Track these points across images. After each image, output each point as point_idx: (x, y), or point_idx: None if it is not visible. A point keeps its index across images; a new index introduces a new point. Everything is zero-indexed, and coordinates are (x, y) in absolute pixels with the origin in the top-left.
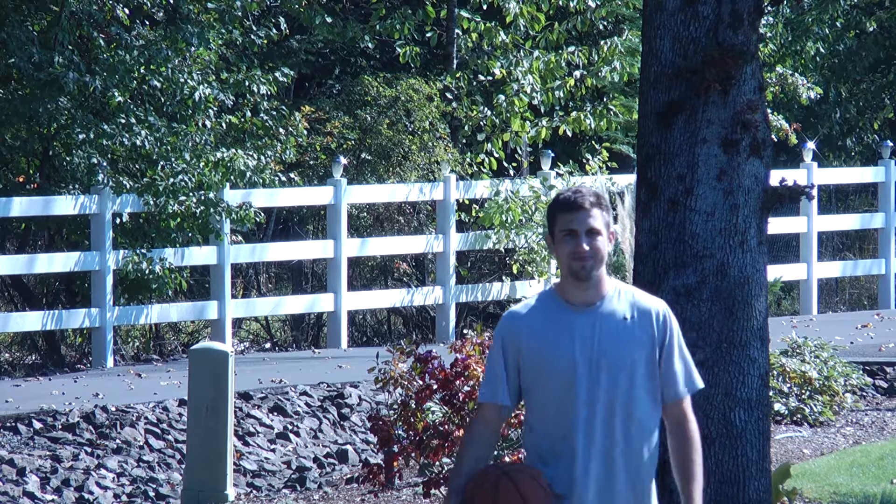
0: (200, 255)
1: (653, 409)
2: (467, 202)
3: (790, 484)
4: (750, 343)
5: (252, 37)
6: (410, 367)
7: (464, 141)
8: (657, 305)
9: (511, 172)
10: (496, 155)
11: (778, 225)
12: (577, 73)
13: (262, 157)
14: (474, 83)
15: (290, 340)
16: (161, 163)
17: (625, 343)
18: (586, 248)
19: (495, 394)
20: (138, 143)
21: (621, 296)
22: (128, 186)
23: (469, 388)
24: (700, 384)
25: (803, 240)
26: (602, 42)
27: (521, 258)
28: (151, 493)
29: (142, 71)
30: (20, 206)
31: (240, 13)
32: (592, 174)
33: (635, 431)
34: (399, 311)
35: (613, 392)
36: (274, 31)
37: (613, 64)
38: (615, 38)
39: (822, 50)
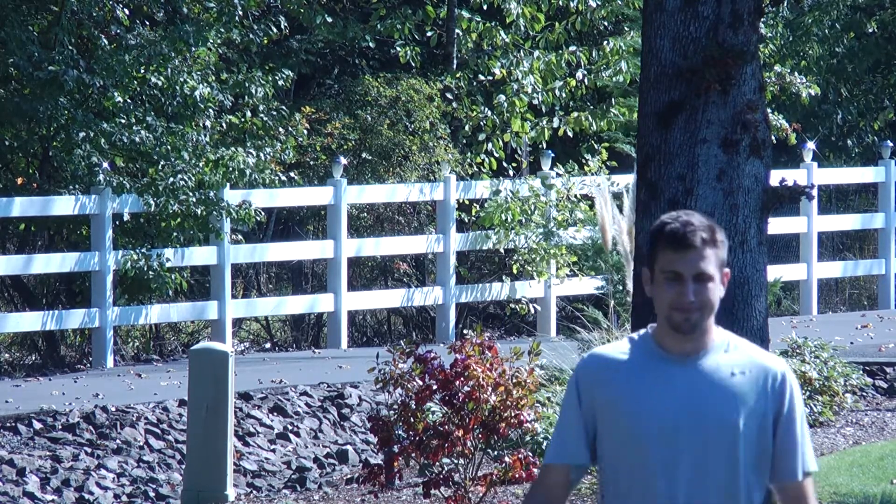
0: (200, 255)
1: (758, 490)
2: (467, 202)
3: None
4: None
5: (251, 36)
6: (410, 368)
7: (464, 141)
8: (776, 365)
9: (511, 172)
10: (496, 155)
11: (778, 225)
12: (578, 74)
13: (262, 157)
14: (474, 83)
15: (290, 340)
16: (161, 162)
17: (730, 405)
18: (692, 298)
19: (565, 451)
20: (137, 140)
21: (731, 349)
22: (128, 186)
23: (469, 389)
24: (814, 466)
25: (803, 240)
26: (604, 42)
27: (521, 258)
28: (151, 494)
29: (142, 71)
30: (20, 206)
31: (240, 12)
32: (592, 174)
33: None
34: (399, 311)
35: (707, 467)
36: (274, 29)
37: (619, 65)
38: (618, 38)
39: (821, 51)
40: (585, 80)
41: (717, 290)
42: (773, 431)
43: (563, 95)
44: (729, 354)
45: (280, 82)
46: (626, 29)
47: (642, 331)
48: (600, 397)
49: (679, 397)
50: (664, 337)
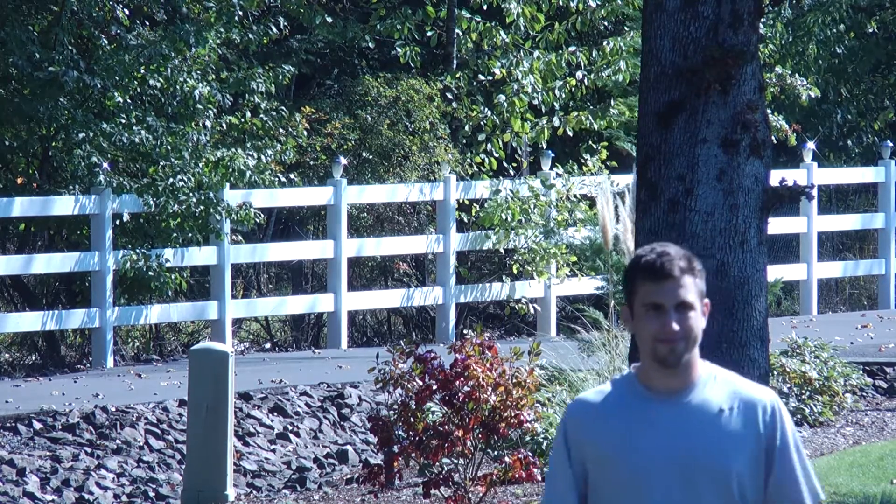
0: (200, 255)
1: None
2: (467, 202)
3: None
4: (750, 343)
5: (251, 36)
6: (410, 368)
7: (464, 141)
8: (764, 396)
9: (511, 172)
10: (496, 155)
11: (778, 225)
12: (578, 74)
13: (262, 157)
14: (474, 83)
15: (290, 340)
16: (161, 163)
17: (720, 443)
18: (676, 327)
19: (560, 501)
20: (137, 140)
21: (717, 382)
22: (128, 186)
23: (469, 389)
24: (822, 495)
25: (803, 240)
26: (604, 42)
27: (521, 258)
28: (151, 494)
29: (141, 71)
30: (20, 206)
31: (239, 12)
32: (592, 174)
33: None
34: (399, 311)
35: None
36: (273, 29)
37: (619, 65)
38: (618, 38)
39: (821, 51)
40: (585, 81)
41: (699, 320)
42: (768, 466)
43: (563, 95)
44: (715, 388)
45: (280, 77)
46: (626, 29)
47: (626, 371)
48: (588, 445)
49: (668, 439)
50: (649, 375)
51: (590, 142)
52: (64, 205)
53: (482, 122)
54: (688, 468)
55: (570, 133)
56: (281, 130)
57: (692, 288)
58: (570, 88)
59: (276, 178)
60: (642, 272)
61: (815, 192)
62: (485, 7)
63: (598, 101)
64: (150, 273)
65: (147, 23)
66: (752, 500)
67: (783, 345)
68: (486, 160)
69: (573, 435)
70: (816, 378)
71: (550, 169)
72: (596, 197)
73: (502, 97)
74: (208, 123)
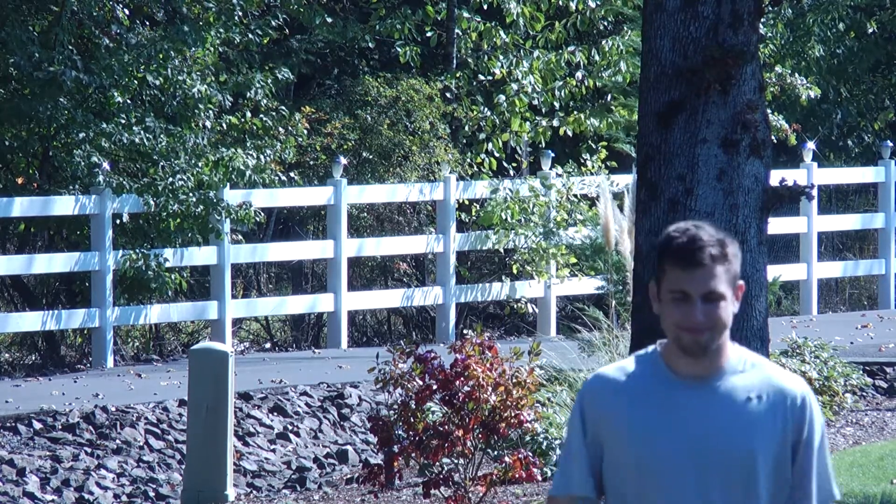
0: (200, 255)
1: None
2: (467, 202)
3: None
4: (750, 343)
5: (251, 35)
6: (410, 368)
7: (464, 141)
8: (796, 386)
9: (511, 172)
10: (496, 155)
11: (778, 225)
12: (578, 74)
13: (262, 157)
14: (474, 83)
15: (290, 340)
16: (161, 162)
17: (746, 432)
18: (701, 318)
19: (569, 483)
20: (137, 140)
21: (748, 369)
22: (128, 186)
23: (469, 389)
24: (838, 495)
25: (803, 240)
26: (603, 42)
27: (521, 258)
28: (151, 494)
29: (141, 71)
30: (20, 206)
31: (239, 13)
32: (592, 174)
33: None
34: (399, 311)
35: (722, 500)
36: (273, 24)
37: (619, 65)
38: (617, 37)
39: (821, 51)
40: (585, 81)
41: (729, 308)
42: (792, 458)
43: (563, 95)
44: (745, 376)
45: (280, 76)
46: (626, 29)
47: (651, 348)
48: (606, 425)
49: (691, 426)
50: (674, 358)
51: (590, 142)
52: (64, 205)
53: (482, 122)
54: (710, 458)
55: (570, 133)
56: (280, 130)
57: (723, 277)
58: (569, 89)
59: (276, 178)
60: (672, 256)
61: (815, 192)
62: (485, 7)
63: (597, 101)
64: (150, 273)
65: (147, 23)
66: (779, 495)
67: (783, 345)
68: (486, 160)
69: (590, 412)
70: (816, 378)
71: (550, 169)
72: (596, 197)
73: (502, 97)
74: (208, 123)
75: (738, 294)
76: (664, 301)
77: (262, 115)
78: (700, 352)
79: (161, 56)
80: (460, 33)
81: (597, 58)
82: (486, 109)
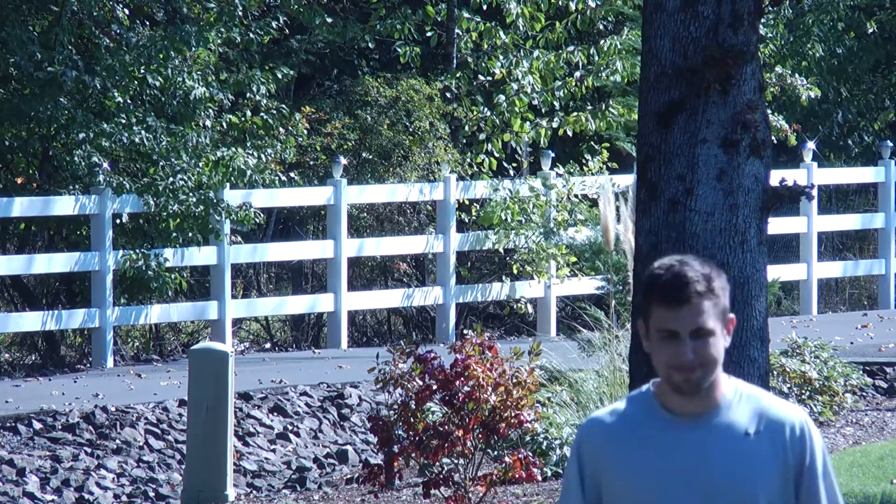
0: (200, 255)
1: None
2: (467, 202)
3: None
4: (750, 343)
5: (251, 35)
6: (410, 368)
7: (464, 141)
8: (793, 415)
9: (511, 172)
10: (496, 155)
11: (778, 225)
12: (577, 74)
13: (262, 157)
14: (474, 83)
15: (290, 340)
16: (161, 162)
17: (747, 467)
18: (691, 356)
19: None
20: (137, 140)
21: (743, 402)
22: (128, 186)
23: (469, 389)
24: None
25: (803, 240)
26: (602, 41)
27: (521, 258)
28: (151, 494)
29: (141, 71)
30: (20, 206)
31: (240, 12)
32: (592, 174)
33: None
34: (399, 311)
35: None
36: (273, 24)
37: (615, 65)
38: (615, 37)
39: (822, 52)
40: (585, 81)
41: (719, 344)
42: (797, 487)
43: (563, 95)
44: (741, 409)
45: (280, 76)
46: (626, 29)
47: (644, 388)
48: (603, 469)
49: (691, 465)
50: (668, 396)
51: (591, 142)
52: (64, 205)
53: (482, 123)
54: (711, 495)
55: (570, 133)
56: (280, 130)
57: (711, 312)
58: (569, 88)
59: (277, 178)
60: (657, 294)
61: (815, 192)
62: (485, 7)
63: (597, 101)
64: (150, 273)
65: (147, 23)
66: None
67: (783, 345)
68: (486, 160)
69: (588, 458)
70: (816, 378)
71: (551, 169)
72: (596, 197)
73: (502, 97)
74: (208, 123)
75: (728, 328)
76: (652, 340)
77: (262, 114)
78: (691, 391)
79: (161, 56)
80: (460, 33)
81: (596, 57)
82: (485, 109)
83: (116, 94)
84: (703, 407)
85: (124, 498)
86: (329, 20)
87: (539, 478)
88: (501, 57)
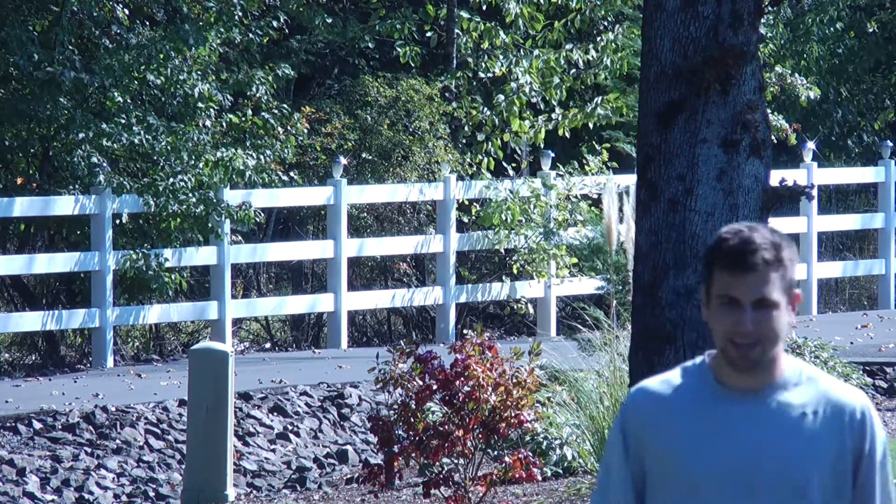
0: (200, 255)
1: None
2: (467, 202)
3: None
4: None
5: (251, 35)
6: (410, 368)
7: (464, 141)
8: (855, 400)
9: (511, 172)
10: (496, 155)
11: (778, 225)
12: (574, 72)
13: (262, 157)
14: (474, 83)
15: (290, 340)
16: (161, 163)
17: (800, 449)
18: (751, 326)
19: (608, 502)
20: (137, 140)
21: (803, 382)
22: (128, 186)
23: (469, 389)
24: None
25: (803, 240)
26: (598, 39)
27: (521, 258)
28: (151, 494)
29: (142, 71)
30: (20, 206)
31: (239, 12)
32: (593, 174)
33: None
34: (399, 311)
35: None
36: (274, 24)
37: (605, 61)
38: (609, 33)
39: (821, 51)
40: (581, 76)
41: (782, 318)
42: (853, 476)
43: (561, 92)
44: (800, 389)
45: (280, 74)
46: (618, 27)
47: (699, 359)
48: (650, 441)
49: (742, 441)
50: (724, 369)
51: (591, 142)
52: (64, 205)
53: (482, 122)
54: (760, 475)
55: (568, 132)
56: (280, 130)
57: (777, 283)
58: (567, 85)
59: (276, 178)
60: (721, 259)
61: (815, 192)
62: (484, 7)
63: (595, 96)
64: (150, 273)
65: (147, 23)
66: None
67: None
68: (486, 160)
69: (634, 429)
70: None
71: (551, 169)
72: (596, 197)
73: (502, 97)
74: (208, 123)
75: (793, 303)
76: (712, 307)
77: (262, 114)
78: (748, 367)
79: (161, 56)
80: (460, 33)
81: (593, 54)
82: (485, 109)
83: (116, 93)
84: (759, 382)
85: (124, 498)
86: (329, 20)
87: (539, 478)
88: (501, 57)
